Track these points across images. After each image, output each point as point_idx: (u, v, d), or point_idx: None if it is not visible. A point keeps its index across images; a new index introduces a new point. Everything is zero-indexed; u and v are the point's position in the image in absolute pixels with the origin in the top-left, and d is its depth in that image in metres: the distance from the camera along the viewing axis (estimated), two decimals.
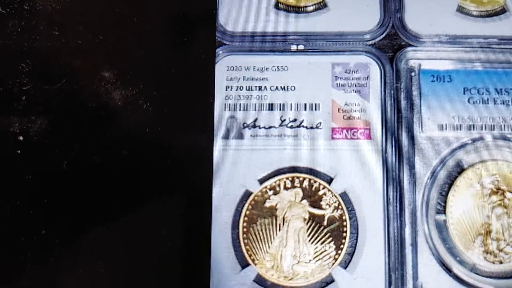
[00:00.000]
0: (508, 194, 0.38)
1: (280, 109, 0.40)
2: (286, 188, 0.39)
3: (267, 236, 0.38)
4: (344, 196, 0.38)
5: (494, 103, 0.40)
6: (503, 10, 0.41)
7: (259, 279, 0.38)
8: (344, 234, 0.38)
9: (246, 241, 0.38)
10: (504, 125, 0.39)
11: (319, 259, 0.38)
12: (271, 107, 0.40)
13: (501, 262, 0.38)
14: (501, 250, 0.38)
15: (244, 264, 0.38)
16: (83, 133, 0.38)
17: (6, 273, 0.36)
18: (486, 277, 0.38)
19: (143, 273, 0.37)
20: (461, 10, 0.41)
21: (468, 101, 0.40)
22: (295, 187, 0.39)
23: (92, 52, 0.39)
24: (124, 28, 0.39)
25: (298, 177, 0.39)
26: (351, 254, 0.38)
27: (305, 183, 0.39)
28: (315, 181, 0.39)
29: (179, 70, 0.39)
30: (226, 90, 0.40)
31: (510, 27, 0.41)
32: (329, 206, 0.38)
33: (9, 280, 0.36)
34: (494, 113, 0.40)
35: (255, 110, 0.40)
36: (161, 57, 0.39)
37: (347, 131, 0.39)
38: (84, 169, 0.37)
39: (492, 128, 0.39)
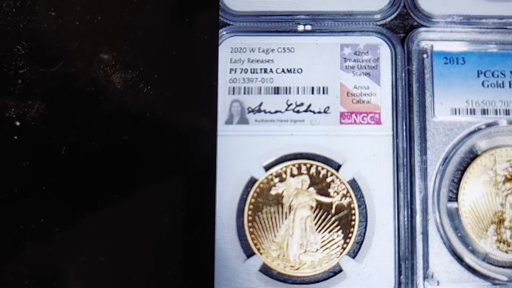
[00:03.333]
0: None
1: (286, 93, 0.40)
2: (292, 175, 0.39)
3: (273, 225, 0.39)
4: (353, 183, 0.39)
5: (510, 86, 0.40)
6: None
7: (264, 269, 0.38)
8: (353, 223, 0.38)
9: (251, 229, 0.38)
10: None
11: (326, 248, 0.38)
12: (277, 90, 0.40)
13: None
14: None
15: (249, 254, 0.38)
16: (81, 118, 0.38)
17: (3, 262, 0.37)
18: (499, 266, 0.38)
19: (145, 261, 0.37)
20: None
21: (482, 84, 0.40)
22: (302, 174, 0.39)
23: (90, 34, 0.39)
24: (123, 9, 0.39)
25: (305, 164, 0.39)
26: (359, 243, 0.38)
27: (312, 170, 0.39)
28: (322, 168, 0.39)
29: (180, 52, 0.39)
30: (230, 73, 0.40)
31: None
32: (337, 193, 0.39)
33: (7, 269, 0.37)
34: (509, 97, 0.40)
35: (260, 93, 0.40)
36: (162, 38, 0.39)
37: (356, 116, 0.39)
38: (83, 155, 0.38)
39: (507, 112, 0.40)
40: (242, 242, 0.39)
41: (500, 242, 0.39)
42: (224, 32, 0.41)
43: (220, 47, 0.41)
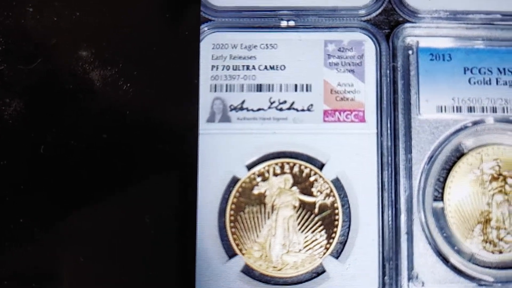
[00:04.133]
0: (509, 180, 0.39)
1: (269, 90, 0.39)
2: (275, 174, 0.39)
3: (255, 225, 0.38)
4: (336, 182, 0.39)
5: (497, 83, 0.40)
6: None
7: (246, 270, 0.38)
8: (336, 222, 0.38)
9: (233, 230, 0.38)
10: (507, 107, 0.39)
11: (309, 249, 0.38)
12: (259, 88, 0.40)
13: (500, 252, 0.38)
14: (501, 239, 0.38)
15: (231, 254, 0.38)
16: (60, 116, 0.38)
17: None
18: (485, 267, 0.38)
19: (126, 262, 0.37)
20: None
21: (469, 81, 0.40)
22: (285, 173, 0.39)
23: (69, 30, 0.39)
24: (103, 5, 0.39)
25: (288, 163, 0.39)
26: (343, 243, 0.38)
27: (296, 169, 0.39)
28: (306, 167, 0.39)
29: (161, 49, 0.39)
30: (212, 69, 0.40)
31: None
32: (321, 193, 0.38)
33: None
34: (496, 94, 0.40)
35: (243, 91, 0.40)
36: (142, 34, 0.39)
37: (340, 114, 0.39)
38: (62, 154, 0.37)
39: (494, 110, 0.39)
40: (224, 242, 0.38)
41: (486, 242, 0.38)
42: (206, 28, 0.41)
43: (201, 43, 0.40)
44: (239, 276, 0.38)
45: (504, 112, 0.39)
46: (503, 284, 0.38)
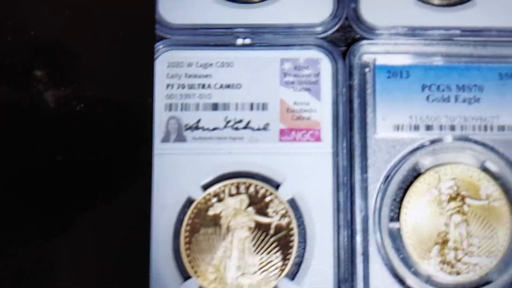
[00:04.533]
0: (468, 200, 0.38)
1: (225, 109, 0.39)
2: (231, 195, 0.38)
3: (210, 247, 0.38)
4: (292, 202, 0.38)
5: (455, 101, 0.39)
6: None
7: None
8: (292, 244, 0.38)
9: (188, 251, 0.38)
10: (466, 125, 0.39)
11: (264, 270, 0.38)
12: (215, 106, 0.39)
13: (458, 273, 0.38)
14: (458, 260, 0.38)
15: (186, 276, 0.38)
16: (12, 138, 0.38)
17: None
18: None
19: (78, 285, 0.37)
20: None
21: (427, 98, 0.39)
22: (240, 193, 0.38)
23: (23, 50, 0.38)
24: (56, 23, 0.38)
25: (244, 183, 0.38)
26: (298, 265, 0.38)
27: (251, 189, 0.38)
28: (261, 187, 0.38)
29: (115, 67, 0.38)
30: (167, 88, 0.39)
31: (474, 17, 0.40)
32: (276, 213, 0.38)
33: None
34: (454, 112, 0.39)
35: (198, 110, 0.39)
36: (96, 53, 0.38)
37: (296, 133, 0.39)
38: (14, 176, 0.37)
39: (452, 128, 0.39)
40: (178, 264, 0.38)
41: (443, 263, 0.38)
42: (161, 46, 0.40)
43: (156, 62, 0.40)
44: None
45: (462, 130, 0.39)
46: None
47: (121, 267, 0.37)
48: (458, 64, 0.40)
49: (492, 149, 0.39)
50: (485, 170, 0.39)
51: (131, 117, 0.39)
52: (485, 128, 0.39)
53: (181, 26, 0.40)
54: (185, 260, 0.38)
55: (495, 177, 0.39)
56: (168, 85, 0.40)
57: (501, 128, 0.39)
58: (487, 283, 0.38)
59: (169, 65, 0.40)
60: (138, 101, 0.39)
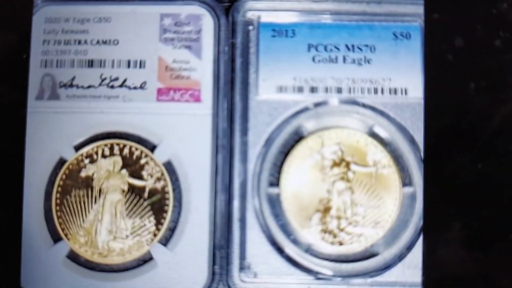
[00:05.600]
0: (353, 166, 0.37)
1: (100, 66, 0.37)
2: (104, 156, 0.37)
3: (81, 209, 0.37)
4: (168, 165, 0.37)
5: (344, 61, 0.37)
6: None
7: (72, 255, 0.37)
8: (166, 208, 0.37)
9: (59, 213, 0.37)
10: (354, 87, 0.37)
11: (137, 235, 0.36)
12: (91, 63, 0.38)
13: (341, 244, 0.36)
14: (341, 230, 0.36)
15: (56, 239, 0.37)
16: None
17: None
18: (323, 259, 0.36)
19: None
20: None
21: (313, 59, 0.37)
22: (114, 155, 0.37)
23: None
24: None
25: (117, 144, 0.37)
26: (172, 230, 0.37)
27: (126, 151, 0.37)
28: (136, 149, 0.37)
29: None
30: (43, 44, 0.38)
31: None
32: (151, 176, 0.37)
33: None
34: (342, 74, 0.37)
35: (74, 67, 0.38)
36: None
37: (174, 92, 0.37)
38: None
39: (339, 90, 0.37)
40: (49, 226, 0.37)
41: (325, 232, 0.37)
42: (40, 1, 0.38)
43: (34, 17, 0.38)
44: (64, 261, 0.37)
45: (350, 92, 0.37)
46: (343, 279, 0.36)
47: None
48: (348, 23, 0.38)
49: (382, 113, 0.37)
50: (373, 135, 0.37)
51: (5, 73, 0.38)
52: (375, 91, 0.37)
53: None
54: (56, 222, 0.37)
55: (384, 143, 0.37)
56: (44, 41, 0.38)
57: (393, 91, 0.37)
58: (372, 255, 0.36)
59: (46, 21, 0.38)
60: (13, 57, 0.38)
